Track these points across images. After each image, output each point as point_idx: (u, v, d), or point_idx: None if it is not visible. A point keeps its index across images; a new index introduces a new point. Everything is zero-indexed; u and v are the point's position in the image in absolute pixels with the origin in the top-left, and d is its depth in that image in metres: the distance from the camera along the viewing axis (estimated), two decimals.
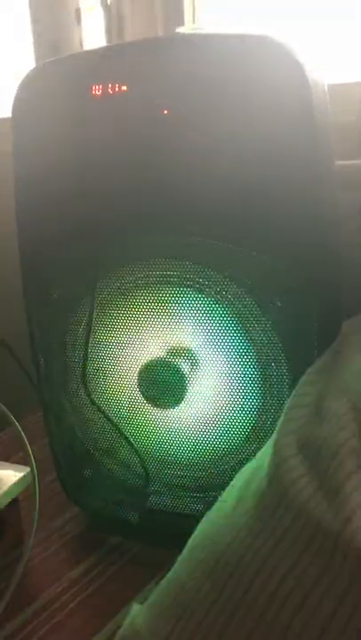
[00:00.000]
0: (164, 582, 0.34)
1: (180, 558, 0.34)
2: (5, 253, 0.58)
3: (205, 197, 0.43)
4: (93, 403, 0.52)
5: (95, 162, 0.46)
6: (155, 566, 0.48)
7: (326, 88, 0.43)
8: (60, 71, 0.46)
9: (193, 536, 0.34)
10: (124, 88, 0.43)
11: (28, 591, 0.50)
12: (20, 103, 0.47)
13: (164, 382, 0.48)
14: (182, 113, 0.42)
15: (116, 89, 0.44)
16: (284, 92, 0.40)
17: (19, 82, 0.48)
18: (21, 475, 0.54)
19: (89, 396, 0.52)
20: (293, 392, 0.38)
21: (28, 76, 0.47)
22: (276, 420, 0.35)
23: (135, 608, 0.34)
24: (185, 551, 0.34)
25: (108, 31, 0.83)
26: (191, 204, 0.44)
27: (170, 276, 0.47)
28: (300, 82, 0.39)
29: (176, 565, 0.34)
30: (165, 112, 0.42)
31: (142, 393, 0.49)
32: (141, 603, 0.34)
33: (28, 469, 0.54)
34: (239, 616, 0.28)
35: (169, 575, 0.34)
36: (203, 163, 0.42)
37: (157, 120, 0.43)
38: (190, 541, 0.34)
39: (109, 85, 0.44)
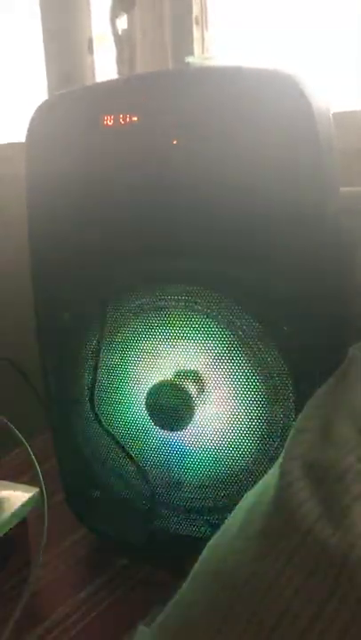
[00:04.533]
0: (171, 604, 0.34)
1: (187, 580, 0.34)
2: (18, 275, 0.59)
3: (214, 224, 0.44)
4: (101, 424, 0.53)
5: (107, 189, 0.47)
6: (162, 588, 0.48)
7: (331, 117, 0.44)
8: (73, 102, 0.48)
9: (200, 559, 0.35)
10: (135, 119, 0.45)
11: (36, 612, 0.51)
12: (33, 133, 0.49)
13: (171, 404, 0.48)
14: (191, 143, 0.43)
15: (127, 119, 0.45)
16: (290, 122, 0.41)
17: (30, 107, 0.50)
18: (30, 495, 0.54)
19: (97, 417, 0.53)
20: (300, 416, 0.38)
21: (41, 107, 0.49)
22: (283, 443, 0.36)
23: (142, 630, 0.34)
24: (192, 574, 0.34)
25: (120, 60, 0.85)
26: (200, 231, 0.45)
27: (178, 300, 0.48)
28: (306, 114, 0.40)
29: (183, 588, 0.34)
30: (175, 142, 0.44)
31: (150, 415, 0.50)
32: (148, 625, 0.34)
33: (36, 490, 0.55)
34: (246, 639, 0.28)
35: (176, 597, 0.34)
36: (211, 191, 0.43)
37: (167, 149, 0.44)
38: (197, 564, 0.34)
39: (120, 116, 0.45)
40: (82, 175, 0.47)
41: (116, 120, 0.45)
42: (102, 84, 0.54)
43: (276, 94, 0.40)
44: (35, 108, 0.50)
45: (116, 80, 0.60)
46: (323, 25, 0.80)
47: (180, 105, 0.44)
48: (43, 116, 0.49)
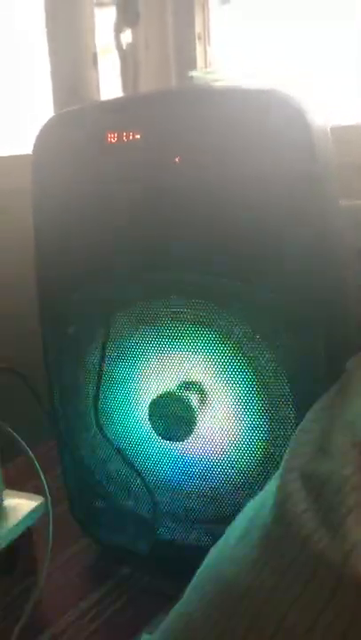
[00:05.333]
0: (173, 612, 0.35)
1: (188, 589, 0.35)
2: (24, 288, 0.60)
3: (214, 239, 0.45)
4: (104, 435, 0.53)
5: (110, 205, 0.48)
6: (165, 596, 0.49)
7: (329, 132, 0.45)
8: (79, 119, 0.49)
9: (201, 568, 0.35)
10: (138, 136, 0.46)
11: (41, 620, 0.51)
12: (39, 150, 0.50)
13: (173, 415, 0.49)
14: (192, 159, 0.44)
15: (130, 136, 0.46)
16: (286, 139, 0.42)
17: (35, 120, 0.51)
18: (35, 504, 0.55)
19: (100, 428, 0.54)
20: (299, 428, 0.39)
21: (46, 124, 0.50)
22: (283, 454, 0.37)
23: (145, 638, 0.35)
24: (193, 582, 0.35)
25: (124, 74, 0.86)
26: (202, 246, 0.46)
27: (181, 313, 0.49)
28: (302, 131, 0.41)
29: (185, 596, 0.35)
30: (177, 159, 0.45)
31: (152, 426, 0.51)
32: (151, 633, 0.35)
33: (41, 499, 0.55)
34: None
35: (178, 605, 0.35)
36: (211, 207, 0.44)
37: (169, 166, 0.45)
38: (198, 573, 0.35)
39: (124, 133, 0.46)
40: (86, 191, 0.48)
41: (120, 137, 0.46)
42: (107, 101, 0.55)
43: (273, 113, 0.41)
44: (41, 123, 0.51)
45: (121, 98, 0.61)
46: (325, 38, 0.82)
47: (182, 123, 0.45)
48: (49, 132, 0.50)
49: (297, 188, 0.42)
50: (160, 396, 0.50)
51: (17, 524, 0.53)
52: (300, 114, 0.41)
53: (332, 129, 0.46)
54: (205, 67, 0.88)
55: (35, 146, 0.51)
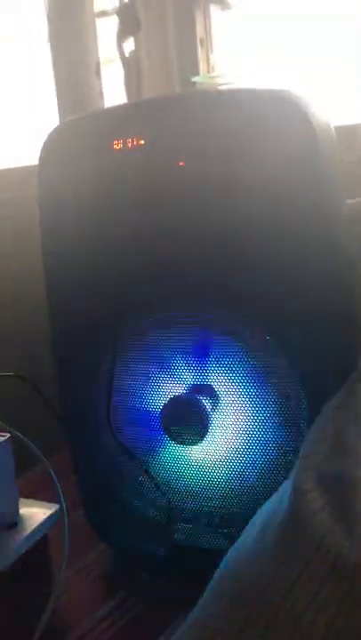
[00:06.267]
0: (190, 616, 0.35)
1: (207, 590, 0.35)
2: (36, 298, 0.60)
3: (222, 242, 0.45)
4: (117, 440, 0.54)
5: (116, 211, 0.48)
6: (182, 601, 0.49)
7: (334, 132, 0.45)
8: (83, 128, 0.50)
9: (219, 569, 0.35)
10: (142, 142, 0.46)
11: (58, 627, 0.51)
12: (45, 159, 0.50)
13: (186, 419, 0.49)
14: (196, 164, 0.44)
15: (135, 143, 0.46)
16: (291, 140, 0.42)
17: (40, 128, 0.51)
18: (51, 512, 0.55)
19: (113, 433, 0.54)
20: (312, 427, 0.39)
21: (52, 134, 0.50)
22: (297, 454, 0.37)
23: None
24: (211, 583, 0.35)
25: (127, 82, 0.87)
26: (208, 249, 0.46)
27: (190, 317, 0.49)
28: (306, 131, 0.41)
29: (203, 597, 0.35)
30: (180, 164, 0.45)
31: (165, 430, 0.51)
32: (169, 638, 0.35)
33: (57, 506, 0.55)
34: None
35: (196, 609, 0.35)
36: (217, 210, 0.45)
37: (173, 171, 0.45)
38: (216, 574, 0.35)
39: (128, 140, 0.47)
40: (92, 199, 0.49)
41: (125, 144, 0.47)
42: (111, 109, 0.55)
43: (276, 114, 0.42)
44: (46, 134, 0.51)
45: (124, 105, 0.61)
46: (327, 40, 0.82)
47: (184, 128, 0.45)
48: (54, 142, 0.50)
49: (303, 189, 0.42)
50: (172, 401, 0.50)
51: (33, 532, 0.53)
52: (305, 116, 0.41)
53: (335, 128, 0.46)
54: (208, 72, 0.88)
55: (41, 155, 0.51)
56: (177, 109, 0.46)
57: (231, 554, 0.36)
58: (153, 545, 0.55)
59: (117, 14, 0.85)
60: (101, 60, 0.92)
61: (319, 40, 0.82)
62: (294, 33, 0.84)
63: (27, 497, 0.57)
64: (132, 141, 0.46)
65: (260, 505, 0.37)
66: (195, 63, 0.87)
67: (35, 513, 0.55)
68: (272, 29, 0.85)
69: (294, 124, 0.41)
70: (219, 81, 0.80)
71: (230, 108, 0.44)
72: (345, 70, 0.80)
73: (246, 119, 0.43)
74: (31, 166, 0.54)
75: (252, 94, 0.43)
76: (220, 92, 0.45)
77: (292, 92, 0.43)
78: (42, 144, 0.51)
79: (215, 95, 0.45)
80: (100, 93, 0.91)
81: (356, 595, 0.27)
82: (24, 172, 0.95)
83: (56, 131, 0.50)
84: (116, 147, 0.47)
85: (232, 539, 0.37)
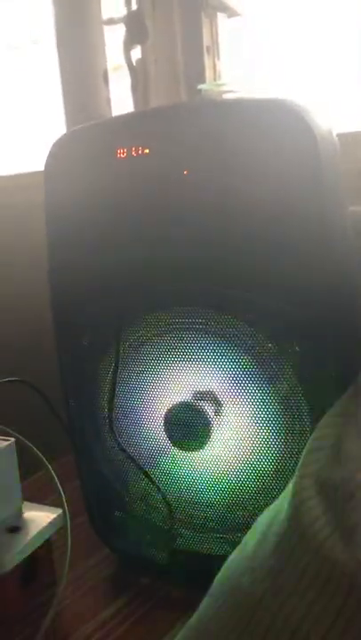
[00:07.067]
0: (191, 621, 0.35)
1: (205, 597, 0.35)
2: (39, 301, 0.61)
3: (225, 250, 0.46)
4: (120, 445, 0.54)
5: (121, 219, 0.49)
6: (185, 606, 0.49)
7: (336, 139, 0.46)
8: (89, 136, 0.50)
9: (217, 576, 0.36)
10: (147, 151, 0.47)
11: (60, 632, 0.52)
12: (51, 166, 0.51)
13: (189, 425, 0.50)
14: (201, 173, 0.45)
15: (140, 152, 0.47)
16: (292, 149, 0.42)
17: (46, 135, 0.52)
18: (54, 516, 0.56)
19: (116, 439, 0.54)
20: (312, 435, 0.39)
21: (58, 142, 0.51)
22: (298, 462, 0.37)
23: None
24: (210, 590, 0.35)
25: (134, 89, 0.88)
26: (212, 256, 0.46)
27: (193, 323, 0.49)
28: (307, 139, 0.41)
29: (202, 604, 0.35)
30: (185, 172, 0.45)
31: (168, 436, 0.51)
32: None
33: (60, 511, 0.56)
34: None
35: (196, 614, 0.35)
36: (221, 218, 0.45)
37: (178, 180, 0.46)
38: (215, 581, 0.35)
39: (133, 148, 0.47)
40: (97, 206, 0.49)
41: (129, 152, 0.47)
42: (116, 118, 0.56)
43: (277, 124, 0.42)
44: (53, 141, 0.52)
45: (129, 114, 0.62)
46: (332, 47, 0.82)
47: (189, 137, 0.45)
48: (60, 150, 0.51)
49: (305, 197, 0.42)
50: (175, 407, 0.50)
51: (36, 536, 0.54)
52: (308, 125, 0.41)
53: (340, 136, 0.46)
54: (214, 79, 0.89)
55: (46, 162, 0.52)
56: (182, 119, 0.46)
57: (231, 561, 0.36)
58: (155, 550, 0.55)
59: (125, 22, 0.86)
60: (109, 68, 0.93)
61: (324, 47, 0.82)
62: (299, 40, 0.84)
63: (30, 501, 0.58)
64: (137, 150, 0.47)
65: (262, 511, 0.38)
66: (201, 71, 0.88)
67: (38, 517, 0.56)
68: (277, 37, 0.86)
69: (296, 134, 0.41)
70: (225, 88, 0.81)
71: (233, 118, 0.44)
72: (351, 77, 0.80)
73: (249, 129, 0.43)
74: (36, 172, 0.55)
75: (254, 104, 0.44)
76: (224, 101, 0.45)
77: (295, 101, 0.43)
78: (48, 151, 0.51)
79: (219, 105, 0.45)
80: (108, 100, 0.92)
81: (354, 602, 0.28)
82: (29, 177, 0.96)
83: (62, 139, 0.51)
84: (121, 155, 0.48)
85: (233, 545, 0.37)
